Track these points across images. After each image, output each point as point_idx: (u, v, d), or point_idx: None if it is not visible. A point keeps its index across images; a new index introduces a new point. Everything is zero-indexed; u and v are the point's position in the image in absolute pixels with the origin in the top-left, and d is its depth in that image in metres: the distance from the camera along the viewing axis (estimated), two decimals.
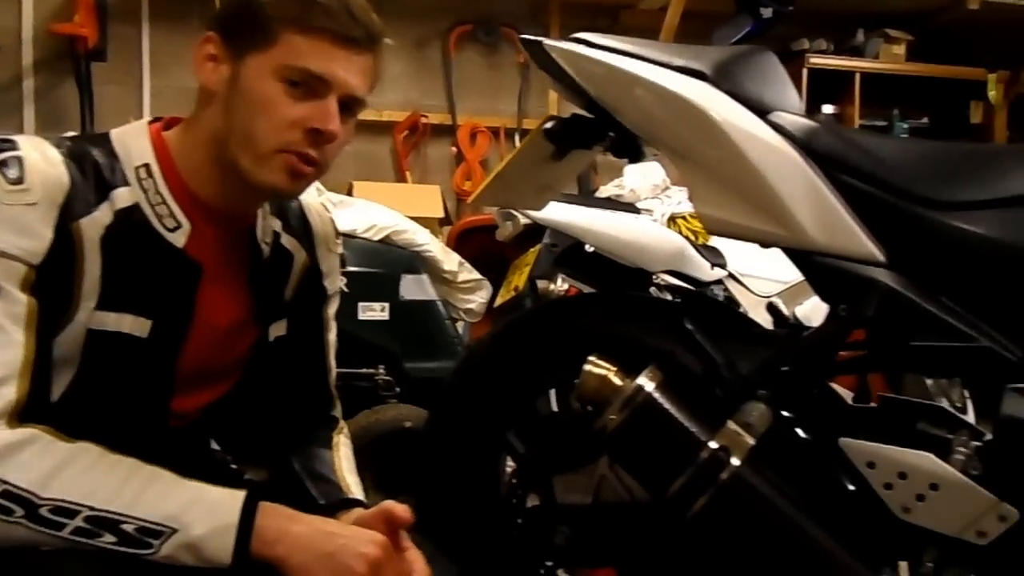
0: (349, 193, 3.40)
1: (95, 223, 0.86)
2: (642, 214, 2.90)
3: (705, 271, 2.96)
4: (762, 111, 1.10)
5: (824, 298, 1.10)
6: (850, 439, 1.02)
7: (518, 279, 2.88)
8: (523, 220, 2.83)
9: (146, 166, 0.91)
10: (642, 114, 1.16)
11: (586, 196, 3.37)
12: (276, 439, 1.09)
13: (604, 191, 3.08)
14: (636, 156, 1.34)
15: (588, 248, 2.74)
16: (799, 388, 1.08)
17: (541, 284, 2.73)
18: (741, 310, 2.96)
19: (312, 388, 1.12)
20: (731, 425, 1.05)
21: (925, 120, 3.92)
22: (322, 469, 1.04)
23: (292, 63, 0.87)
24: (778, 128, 1.08)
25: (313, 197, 1.09)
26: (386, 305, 2.64)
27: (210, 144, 0.91)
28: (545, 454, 1.31)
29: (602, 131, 1.26)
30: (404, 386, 2.56)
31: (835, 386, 2.59)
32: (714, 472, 1.03)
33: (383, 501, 0.92)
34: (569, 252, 2.80)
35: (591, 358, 1.12)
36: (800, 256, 1.09)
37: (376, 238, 2.68)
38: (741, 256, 2.99)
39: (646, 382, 1.07)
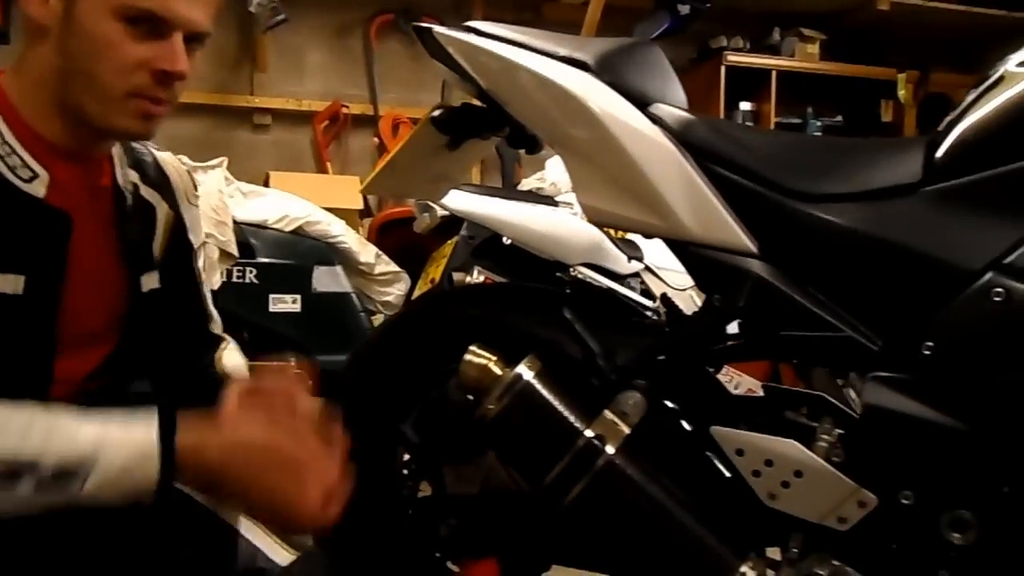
0: (266, 184, 3.33)
1: None
2: (561, 207, 2.91)
3: (622, 264, 2.99)
4: (642, 103, 1.10)
5: (701, 288, 1.11)
6: (721, 427, 1.04)
7: (435, 271, 2.87)
8: (440, 212, 2.81)
9: None
10: (527, 103, 1.16)
11: (507, 189, 3.38)
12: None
13: (526, 184, 3.09)
14: (532, 147, 1.34)
15: (506, 240, 2.75)
16: (676, 377, 1.09)
17: (457, 276, 2.72)
18: (656, 303, 3.01)
19: (195, 338, 1.10)
20: (607, 414, 1.05)
21: (839, 118, 4.03)
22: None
23: (131, 3, 0.83)
24: (656, 120, 1.09)
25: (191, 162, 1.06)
26: (298, 297, 2.60)
27: (48, 83, 0.87)
28: (436, 444, 1.30)
29: (496, 121, 1.26)
30: (316, 379, 2.53)
31: (739, 375, 2.63)
32: (589, 460, 1.03)
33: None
34: (486, 244, 2.81)
35: (472, 347, 1.12)
36: (679, 247, 1.10)
37: (288, 229, 2.63)
38: (657, 249, 3.03)
39: (525, 371, 1.07)
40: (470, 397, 1.11)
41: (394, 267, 2.94)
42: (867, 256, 1.00)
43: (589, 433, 1.04)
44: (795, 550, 1.01)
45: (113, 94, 0.85)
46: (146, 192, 1.01)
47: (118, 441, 0.78)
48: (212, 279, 2.42)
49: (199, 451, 0.80)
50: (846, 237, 1.00)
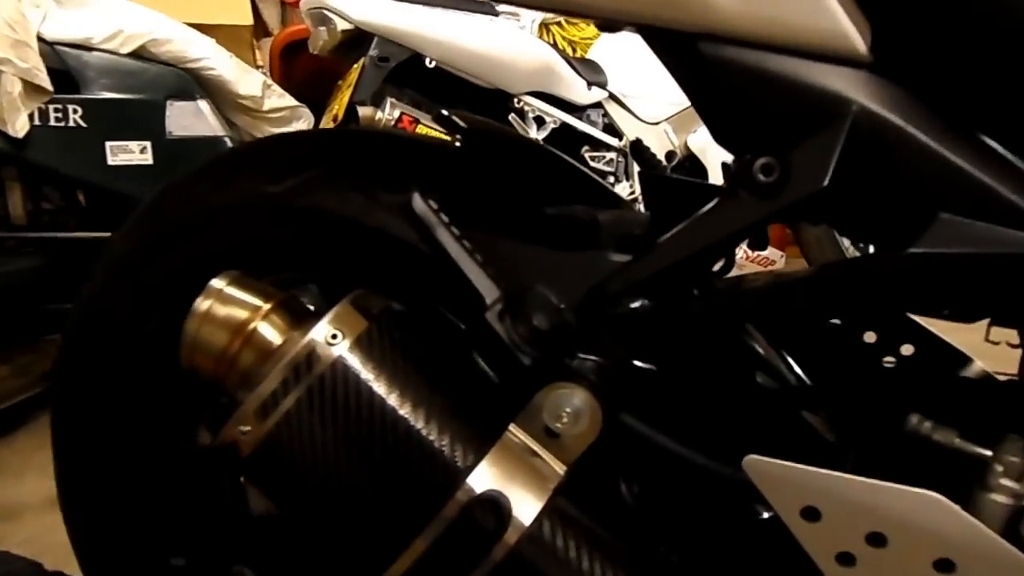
0: None
1: None
2: (503, 18, 2.36)
3: (580, 92, 2.45)
4: None
5: (721, 142, 0.50)
6: (761, 458, 0.46)
7: (339, 106, 2.27)
8: (343, 24, 2.20)
9: None
10: None
11: None
12: None
13: None
14: None
15: (429, 63, 2.17)
16: (664, 349, 0.50)
17: (364, 111, 2.15)
18: (623, 141, 2.43)
19: None
20: (510, 439, 0.47)
21: None
22: None
23: None
24: None
25: None
26: (147, 144, 1.99)
27: None
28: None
29: None
30: None
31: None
32: (478, 546, 0.46)
33: None
34: (403, 68, 2.09)
35: (215, 281, 0.51)
36: (686, 43, 0.48)
37: (124, 50, 1.98)
38: (626, 73, 2.44)
39: (325, 340, 0.47)
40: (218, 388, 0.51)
41: (289, 100, 2.33)
42: None
43: (475, 483, 0.46)
44: None
45: None
46: None
47: None
48: (16, 123, 1.76)
49: None
50: None
